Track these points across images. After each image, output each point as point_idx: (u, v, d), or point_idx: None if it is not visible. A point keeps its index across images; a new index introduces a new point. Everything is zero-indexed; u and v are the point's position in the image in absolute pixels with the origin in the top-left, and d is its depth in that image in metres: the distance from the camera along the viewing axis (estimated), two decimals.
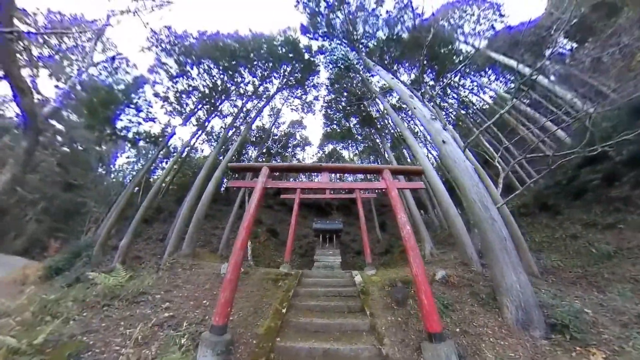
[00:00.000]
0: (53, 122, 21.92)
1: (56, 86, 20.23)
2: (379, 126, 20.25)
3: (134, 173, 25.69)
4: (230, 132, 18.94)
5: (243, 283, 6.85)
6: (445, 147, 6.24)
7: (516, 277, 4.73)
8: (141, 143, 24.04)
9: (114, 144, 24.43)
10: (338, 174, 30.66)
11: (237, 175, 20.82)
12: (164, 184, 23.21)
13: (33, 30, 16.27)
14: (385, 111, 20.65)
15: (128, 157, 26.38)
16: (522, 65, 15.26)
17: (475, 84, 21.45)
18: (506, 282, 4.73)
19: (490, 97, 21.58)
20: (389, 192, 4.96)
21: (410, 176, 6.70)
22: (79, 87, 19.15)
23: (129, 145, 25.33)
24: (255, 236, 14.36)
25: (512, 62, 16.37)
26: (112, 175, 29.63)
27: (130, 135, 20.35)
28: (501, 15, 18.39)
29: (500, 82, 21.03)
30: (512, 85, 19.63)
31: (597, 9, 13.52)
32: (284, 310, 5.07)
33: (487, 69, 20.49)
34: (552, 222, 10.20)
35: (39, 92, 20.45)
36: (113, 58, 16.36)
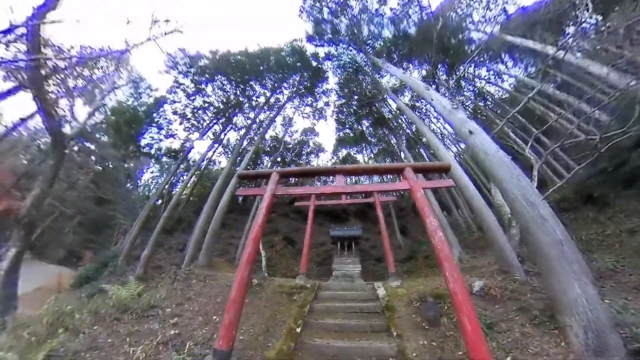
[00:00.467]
0: (87, 144, 23.59)
1: (89, 112, 21.83)
2: (392, 126, 19.36)
3: (157, 187, 26.82)
4: (245, 143, 19.09)
5: (257, 297, 6.35)
6: (473, 138, 5.40)
7: (581, 289, 3.74)
8: (164, 159, 25.18)
9: (139, 161, 25.75)
10: (353, 178, 29.93)
11: (252, 185, 20.85)
12: (184, 196, 23.90)
13: (66, 64, 17.79)
14: (397, 111, 19.79)
15: (152, 172, 27.68)
16: (543, 45, 13.61)
17: (492, 72, 19.81)
18: (568, 296, 3.76)
19: (510, 84, 19.73)
20: (414, 193, 4.22)
21: (433, 174, 5.82)
22: (108, 112, 20.54)
23: (153, 161, 26.60)
24: (271, 245, 13.94)
25: (532, 44, 14.79)
26: (139, 190, 31.26)
27: (152, 151, 21.33)
28: None
29: (520, 67, 19.21)
30: (534, 69, 17.79)
31: None
32: (298, 330, 4.44)
33: (503, 55, 18.83)
34: (600, 217, 8.62)
35: (75, 118, 22.08)
36: (135, 82, 17.30)
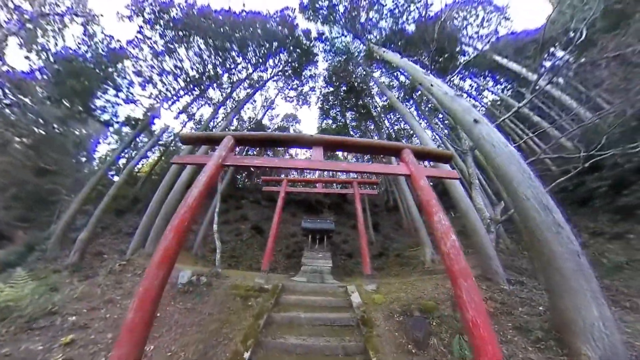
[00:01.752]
0: (22, 98, 19.06)
1: (26, 57, 17.56)
2: (378, 123, 18.50)
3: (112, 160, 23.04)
4: (220, 119, 16.74)
5: (202, 300, 4.86)
6: (479, 128, 4.45)
7: (598, 311, 2.98)
8: (124, 128, 21.53)
9: (90, 127, 21.68)
10: (331, 171, 28.78)
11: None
12: (142, 173, 20.69)
13: None
14: (384, 107, 18.96)
15: (110, 144, 23.62)
16: (526, 70, 14.26)
17: (473, 87, 20.09)
18: (584, 319, 2.97)
19: (488, 101, 20.32)
20: (415, 182, 3.08)
21: (432, 163, 4.74)
22: (51, 59, 16.57)
23: (111, 130, 22.67)
24: (237, 234, 12.25)
25: (516, 67, 15.24)
26: (95, 164, 26.80)
27: (107, 117, 17.85)
28: (506, 19, 17.03)
29: (500, 86, 19.80)
30: (510, 91, 18.61)
31: (605, 17, 12.22)
32: (246, 355, 3.12)
33: (486, 73, 19.22)
34: None
35: (5, 63, 17.57)
36: (87, 22, 13.87)
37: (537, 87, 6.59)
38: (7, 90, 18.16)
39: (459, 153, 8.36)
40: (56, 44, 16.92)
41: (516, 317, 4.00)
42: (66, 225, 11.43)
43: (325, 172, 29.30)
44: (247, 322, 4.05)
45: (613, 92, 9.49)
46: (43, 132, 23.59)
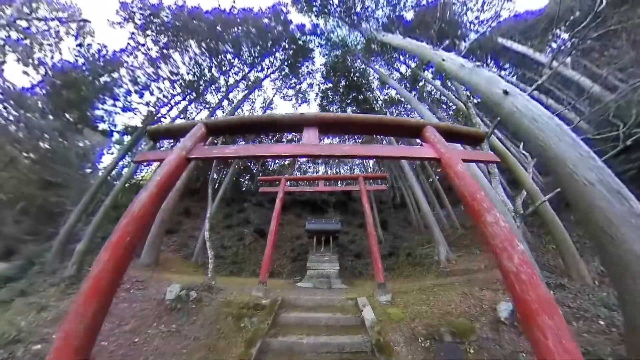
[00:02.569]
0: (23, 112, 18.88)
1: (25, 72, 17.38)
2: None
3: (121, 171, 22.78)
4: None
5: (189, 321, 4.09)
6: (511, 100, 3.53)
7: None
8: (125, 137, 21.20)
9: (93, 138, 21.45)
10: (335, 168, 27.71)
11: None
12: (145, 179, 20.28)
13: None
14: (387, 99, 17.98)
15: (112, 154, 23.36)
16: (533, 50, 13.15)
17: None
18: None
19: None
20: (449, 167, 2.15)
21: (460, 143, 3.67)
22: (50, 73, 16.31)
23: (114, 140, 22.42)
24: (239, 238, 11.50)
25: (523, 48, 14.07)
26: (100, 175, 26.70)
27: (106, 127, 17.45)
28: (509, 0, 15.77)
29: (504, 72, 18.51)
30: (515, 75, 17.39)
31: None
32: None
33: (490, 57, 17.96)
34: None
35: (4, 79, 17.40)
36: (77, 36, 13.44)
37: (552, 64, 5.56)
38: (9, 106, 18.01)
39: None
40: (52, 57, 16.65)
41: (575, 337, 3.07)
42: (65, 236, 10.92)
43: (329, 171, 28.30)
44: (238, 349, 3.25)
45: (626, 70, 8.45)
46: (47, 146, 23.52)
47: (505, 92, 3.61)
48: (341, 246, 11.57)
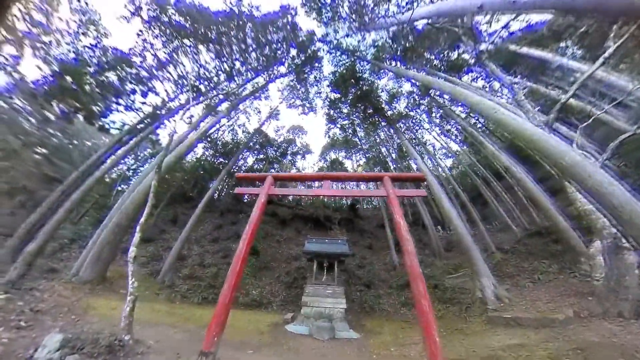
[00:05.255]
0: (28, 105, 17.96)
1: (38, 67, 16.66)
2: (386, 133, 15.85)
3: (117, 169, 21.32)
4: (224, 128, 14.69)
5: None
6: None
7: None
8: (134, 139, 20.09)
9: (98, 137, 20.29)
10: (339, 185, 26.01)
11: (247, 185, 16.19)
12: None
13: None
14: (395, 114, 16.48)
15: (116, 155, 22.09)
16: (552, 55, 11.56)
17: (486, 88, 17.10)
18: None
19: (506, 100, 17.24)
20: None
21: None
22: (56, 67, 15.53)
23: (116, 139, 21.27)
24: (224, 255, 9.28)
25: (539, 53, 12.41)
26: (104, 174, 25.39)
27: (111, 127, 16.30)
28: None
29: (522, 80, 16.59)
30: (525, 91, 15.55)
31: None
32: None
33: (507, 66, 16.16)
34: None
35: (18, 72, 16.75)
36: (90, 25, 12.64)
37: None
38: (23, 100, 17.17)
39: None
40: (66, 54, 16.02)
41: None
42: (23, 234, 8.96)
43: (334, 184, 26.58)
44: None
45: None
46: (56, 141, 22.39)
47: None
48: (346, 271, 9.26)
